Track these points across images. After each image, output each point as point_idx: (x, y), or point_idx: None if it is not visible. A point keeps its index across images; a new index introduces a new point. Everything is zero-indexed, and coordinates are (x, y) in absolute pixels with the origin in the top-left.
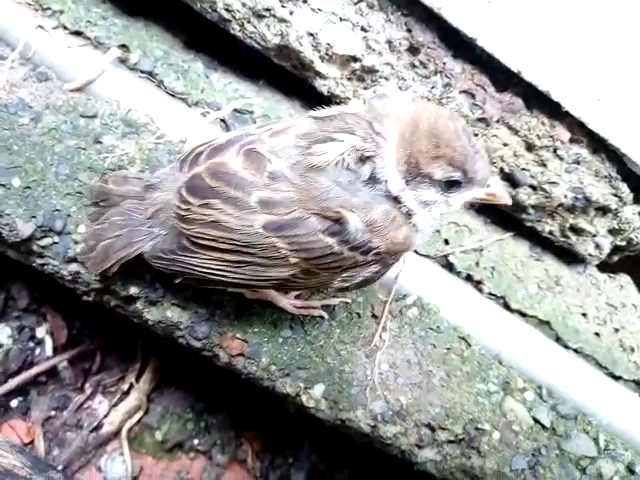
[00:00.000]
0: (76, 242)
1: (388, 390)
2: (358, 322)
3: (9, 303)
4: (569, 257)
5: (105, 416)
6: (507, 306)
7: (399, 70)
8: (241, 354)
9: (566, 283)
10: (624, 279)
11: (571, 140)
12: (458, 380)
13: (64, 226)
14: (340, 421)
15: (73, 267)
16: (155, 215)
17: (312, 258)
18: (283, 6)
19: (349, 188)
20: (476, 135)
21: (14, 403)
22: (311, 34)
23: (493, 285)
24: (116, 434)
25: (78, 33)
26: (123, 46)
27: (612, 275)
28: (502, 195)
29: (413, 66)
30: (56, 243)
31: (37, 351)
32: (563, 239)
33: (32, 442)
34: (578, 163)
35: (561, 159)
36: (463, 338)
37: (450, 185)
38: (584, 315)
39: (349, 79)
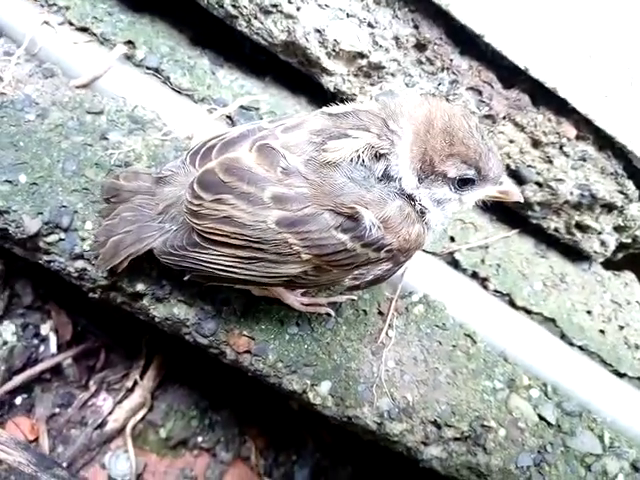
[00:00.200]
0: (83, 239)
1: (394, 387)
2: (364, 319)
3: (14, 300)
4: (574, 254)
5: (109, 413)
6: (512, 303)
7: (406, 66)
8: (248, 351)
9: (571, 280)
10: (629, 276)
11: (577, 137)
12: (464, 377)
13: (71, 223)
14: (346, 418)
15: (80, 264)
16: (166, 210)
17: (324, 255)
18: (290, 2)
19: (363, 184)
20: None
21: (18, 400)
22: (318, 30)
23: (498, 282)
24: (120, 431)
25: (84, 29)
26: (129, 42)
27: (617, 272)
28: (515, 192)
29: (420, 62)
30: (62, 240)
31: (41, 348)
32: (568, 236)
33: (36, 439)
34: (584, 160)
35: (567, 156)
36: (469, 335)
37: (464, 183)
38: (589, 312)
39: (356, 75)
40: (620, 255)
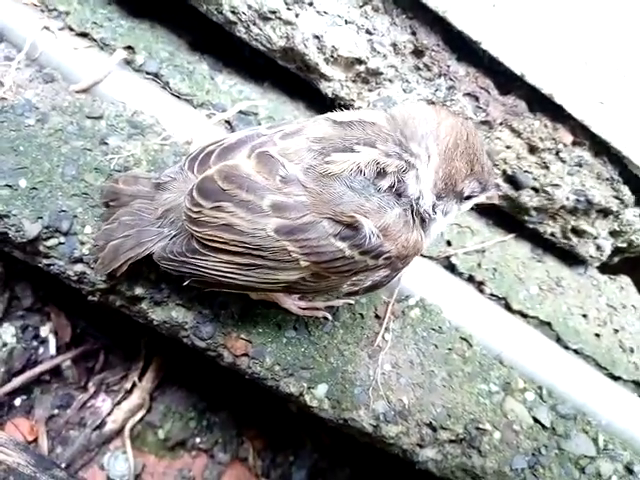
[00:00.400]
0: (82, 243)
1: (390, 390)
2: (361, 323)
3: (13, 302)
4: (570, 258)
5: (108, 414)
6: (508, 307)
7: (403, 73)
8: (245, 354)
9: (567, 284)
10: (624, 280)
11: (573, 143)
12: (459, 380)
13: (70, 227)
14: (343, 421)
15: (79, 267)
16: (165, 215)
17: (322, 262)
18: (289, 8)
19: (362, 193)
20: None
21: (18, 402)
22: (316, 36)
23: (495, 286)
24: (119, 432)
25: (84, 34)
26: (129, 47)
27: (612, 276)
28: (495, 195)
29: (417, 69)
30: (62, 244)
31: (41, 350)
32: (564, 241)
33: (35, 440)
34: (580, 166)
35: (563, 162)
36: (465, 339)
37: (469, 197)
38: (584, 316)
39: (354, 81)
40: (616, 259)
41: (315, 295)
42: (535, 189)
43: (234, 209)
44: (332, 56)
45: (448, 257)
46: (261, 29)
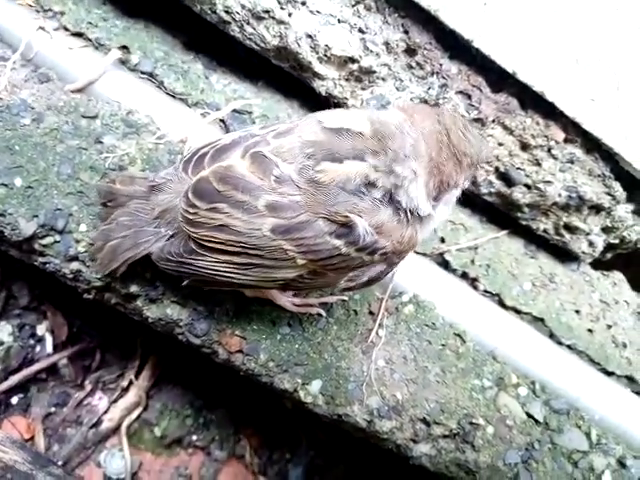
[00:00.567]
0: (77, 241)
1: (384, 386)
2: (355, 319)
3: (10, 301)
4: (563, 255)
5: (105, 412)
6: (502, 303)
7: (396, 71)
8: (240, 351)
9: (560, 280)
10: (617, 276)
11: (565, 140)
12: (453, 376)
13: (65, 225)
14: (337, 416)
15: (74, 265)
16: (161, 215)
17: (319, 259)
18: (282, 8)
19: (356, 193)
20: None
21: (14, 400)
22: (309, 36)
23: (488, 282)
24: (115, 430)
25: (79, 34)
26: (124, 47)
27: (605, 272)
28: (489, 155)
29: (410, 67)
30: (57, 242)
31: (37, 348)
32: (557, 237)
33: (32, 438)
34: (572, 162)
35: (555, 158)
36: (458, 335)
37: (466, 179)
38: (577, 312)
39: (347, 80)
40: (609, 255)
41: (314, 290)
42: (527, 186)
43: (230, 210)
44: (325, 55)
45: (442, 254)
46: (255, 28)
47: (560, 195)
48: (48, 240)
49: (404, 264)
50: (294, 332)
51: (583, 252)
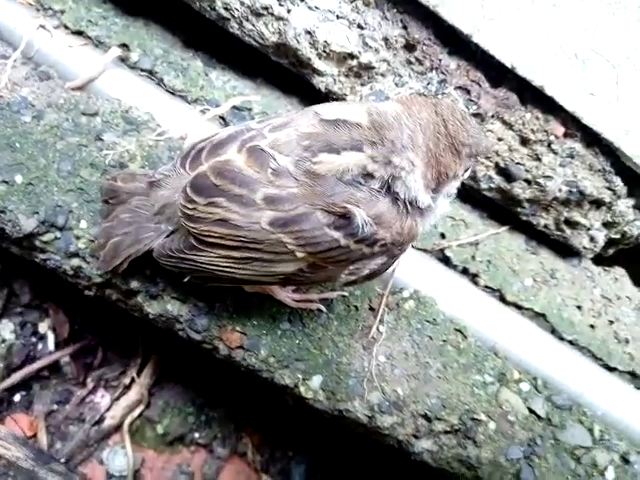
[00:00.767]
0: (78, 237)
1: (385, 381)
2: (356, 315)
3: (12, 299)
4: (564, 250)
5: (107, 410)
6: (503, 299)
7: (395, 67)
8: (240, 346)
9: (561, 276)
10: (619, 272)
11: (565, 134)
12: (454, 371)
13: (66, 222)
14: (338, 412)
15: (75, 262)
16: (161, 211)
17: (318, 252)
18: (281, 4)
19: (353, 183)
20: None
21: (17, 397)
22: (308, 32)
23: (489, 278)
24: (118, 428)
25: (79, 33)
26: (123, 45)
27: (607, 268)
28: (489, 146)
29: (409, 63)
30: (58, 238)
31: (39, 346)
32: (558, 232)
33: (35, 436)
34: (572, 157)
35: (555, 153)
36: (459, 330)
37: (467, 169)
38: (579, 307)
39: (346, 76)
40: (610, 251)
41: (314, 286)
42: (527, 181)
43: (228, 204)
44: (324, 51)
45: (442, 250)
46: (254, 25)
47: (560, 190)
48: (48, 237)
49: (405, 260)
50: (294, 328)
51: (584, 247)
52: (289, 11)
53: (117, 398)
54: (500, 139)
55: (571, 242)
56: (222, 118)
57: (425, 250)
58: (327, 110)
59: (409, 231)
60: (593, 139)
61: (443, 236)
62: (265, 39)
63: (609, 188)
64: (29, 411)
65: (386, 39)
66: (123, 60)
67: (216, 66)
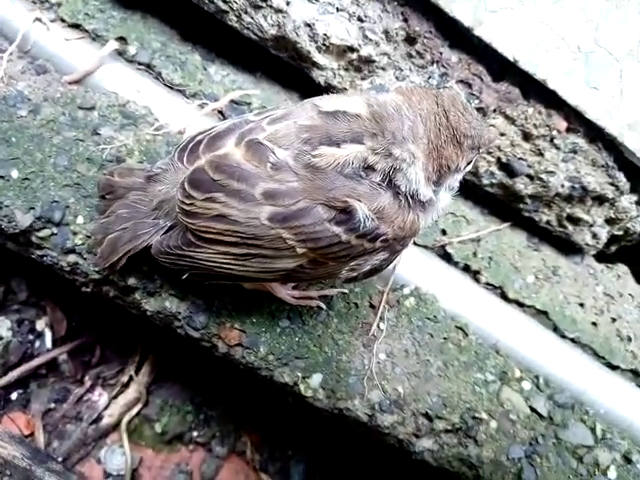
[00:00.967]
0: (74, 233)
1: (386, 379)
2: (356, 312)
3: (9, 296)
4: (566, 247)
5: (105, 408)
6: (504, 296)
7: (396, 60)
8: (239, 344)
9: (563, 273)
10: (621, 269)
11: (568, 129)
12: (455, 369)
13: (62, 217)
14: (338, 410)
15: (72, 258)
16: (159, 206)
17: (319, 248)
18: None
19: (354, 177)
20: None
21: (14, 395)
22: (308, 24)
23: (490, 275)
24: (115, 426)
25: (76, 26)
26: (121, 38)
27: (609, 265)
28: (493, 137)
29: (410, 56)
30: (55, 234)
31: (37, 344)
32: (560, 229)
33: (32, 434)
34: (575, 152)
35: (558, 148)
36: (460, 328)
37: (469, 162)
38: (581, 305)
39: (346, 69)
40: (613, 248)
41: (315, 282)
42: (530, 176)
43: (226, 199)
44: (324, 44)
45: (443, 246)
46: (252, 17)
47: (563, 186)
48: (45, 232)
49: (405, 256)
50: (294, 325)
51: (587, 244)
52: (288, 3)
53: (115, 396)
54: (502, 134)
55: (573, 239)
56: (221, 112)
57: (426, 247)
58: (326, 102)
59: (411, 226)
60: (596, 134)
61: (444, 232)
62: (264, 32)
63: (612, 184)
64: (26, 409)
65: (386, 32)
66: (120, 53)
67: (215, 60)
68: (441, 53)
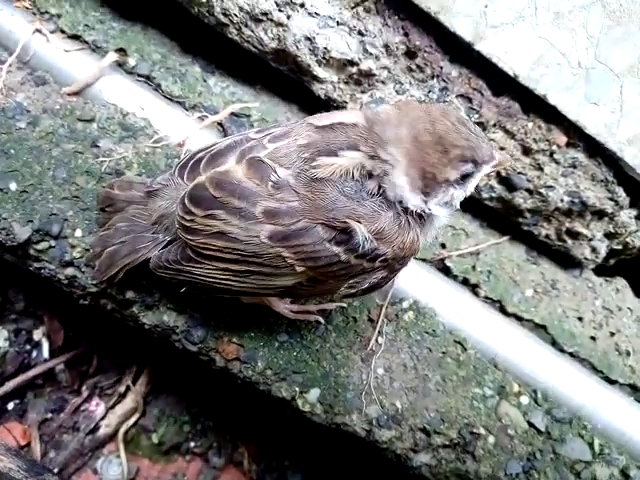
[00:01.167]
0: (72, 246)
1: (384, 394)
2: (354, 326)
3: (6, 306)
4: (565, 261)
5: (102, 418)
6: (503, 310)
7: (396, 74)
8: (237, 358)
9: (562, 287)
10: (620, 283)
11: (567, 144)
12: (454, 384)
13: (61, 230)
14: (335, 425)
15: (69, 271)
16: (159, 221)
17: (319, 267)
18: (280, 10)
19: (354, 197)
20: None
21: (11, 405)
22: (308, 38)
23: (489, 289)
24: (112, 436)
25: (76, 37)
26: (121, 50)
27: (608, 279)
28: (505, 159)
29: (410, 70)
30: (53, 247)
31: (34, 354)
32: (559, 243)
33: (28, 444)
34: (574, 167)
35: (557, 163)
36: (459, 342)
37: (465, 177)
38: (580, 319)
39: (346, 83)
40: (612, 261)
41: (313, 297)
42: (529, 191)
43: (227, 217)
44: (324, 58)
45: (442, 260)
46: (253, 31)
47: (562, 200)
48: (43, 245)
49: (404, 270)
50: (292, 339)
51: (586, 258)
52: (289, 17)
53: (112, 406)
54: (502, 148)
55: (572, 253)
56: (220, 125)
57: (425, 260)
58: (322, 118)
59: (411, 245)
60: (596, 149)
61: (443, 246)
62: (264, 45)
63: (611, 199)
64: (23, 420)
65: (387, 46)
66: (120, 65)
67: (215, 72)
68: (441, 67)
